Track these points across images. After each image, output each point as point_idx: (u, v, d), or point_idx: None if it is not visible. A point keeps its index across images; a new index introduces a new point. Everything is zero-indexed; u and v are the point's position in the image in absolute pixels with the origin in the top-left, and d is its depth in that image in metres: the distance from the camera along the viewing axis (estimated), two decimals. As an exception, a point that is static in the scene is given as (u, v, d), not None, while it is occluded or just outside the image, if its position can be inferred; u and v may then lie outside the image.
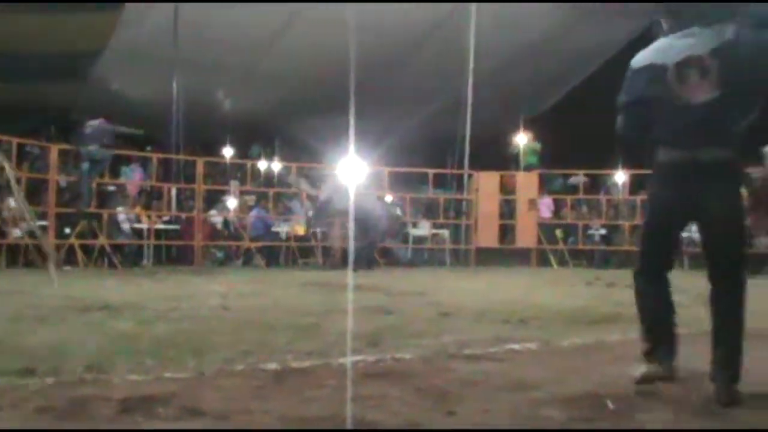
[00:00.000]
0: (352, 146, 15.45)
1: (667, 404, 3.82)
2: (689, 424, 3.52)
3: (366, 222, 14.70)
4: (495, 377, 4.39)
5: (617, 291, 9.89)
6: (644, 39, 4.36)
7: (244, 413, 3.52)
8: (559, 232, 19.14)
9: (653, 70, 3.97)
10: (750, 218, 15.48)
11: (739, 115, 3.88)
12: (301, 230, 17.95)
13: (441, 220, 19.20)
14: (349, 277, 11.87)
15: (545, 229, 18.87)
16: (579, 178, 20.51)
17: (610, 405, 3.71)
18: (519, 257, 18.73)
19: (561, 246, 18.79)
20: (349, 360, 4.74)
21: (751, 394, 3.87)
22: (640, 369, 4.15)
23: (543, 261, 18.60)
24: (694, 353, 4.21)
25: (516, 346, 5.55)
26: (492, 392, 4.00)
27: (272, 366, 4.59)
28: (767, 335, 6.09)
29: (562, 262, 18.36)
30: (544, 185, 19.93)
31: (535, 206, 18.75)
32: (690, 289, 9.20)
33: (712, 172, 3.88)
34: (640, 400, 3.87)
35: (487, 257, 18.31)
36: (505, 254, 18.79)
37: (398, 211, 18.54)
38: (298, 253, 17.57)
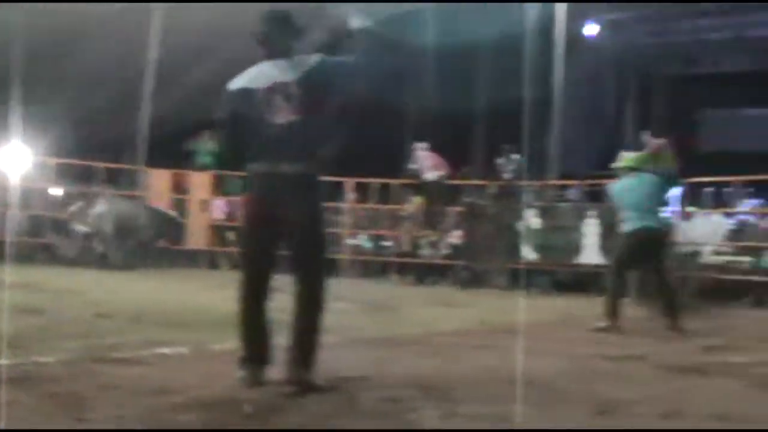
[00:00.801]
0: (16, 133, 14.53)
1: (304, 407, 3.94)
2: (325, 425, 3.67)
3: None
4: (139, 381, 4.33)
5: (283, 297, 10.07)
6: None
7: None
8: (231, 235, 19.10)
9: (246, 93, 4.46)
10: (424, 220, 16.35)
11: (317, 136, 4.46)
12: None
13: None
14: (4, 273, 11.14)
15: (217, 231, 18.80)
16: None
17: (248, 408, 3.77)
18: (189, 259, 18.51)
19: (233, 249, 18.76)
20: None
21: (382, 396, 4.11)
22: (239, 374, 4.40)
23: (214, 263, 18.51)
24: (350, 358, 4.41)
25: (167, 350, 5.51)
26: (131, 397, 3.93)
27: None
28: (407, 341, 6.54)
29: (233, 266, 18.32)
30: (220, 186, 19.81)
31: (208, 207, 18.63)
32: (356, 298, 9.63)
33: (291, 184, 4.35)
34: (278, 404, 3.98)
35: (156, 257, 17.88)
36: (174, 255, 18.49)
37: (171, 214, 17.77)
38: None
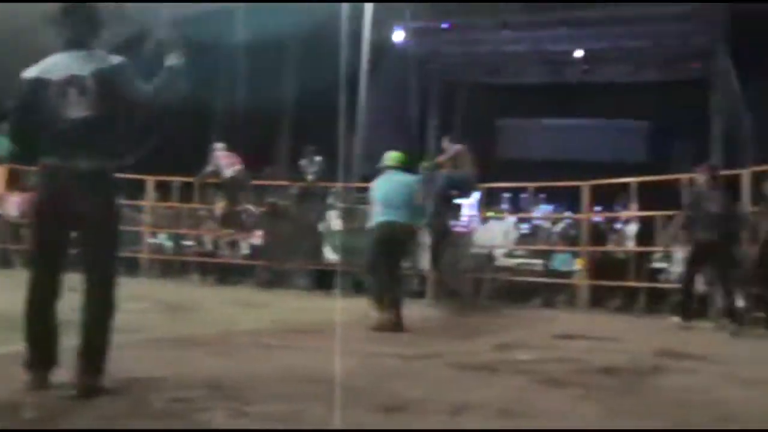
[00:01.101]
0: None
1: (90, 410, 3.85)
2: (112, 426, 3.61)
3: None
4: None
5: (75, 296, 9.71)
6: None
7: None
8: (24, 231, 18.28)
9: (39, 83, 4.32)
10: (225, 220, 16.04)
11: (112, 131, 4.37)
12: None
13: None
14: None
15: (11, 228, 17.94)
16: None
17: (30, 413, 3.66)
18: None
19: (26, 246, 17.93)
20: None
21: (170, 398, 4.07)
22: (24, 377, 4.23)
23: (7, 262, 17.64)
24: (143, 359, 4.32)
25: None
26: None
27: None
28: (202, 341, 6.48)
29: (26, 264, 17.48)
30: (17, 181, 18.90)
31: (2, 203, 17.75)
32: (153, 298, 9.42)
33: (85, 181, 4.25)
34: (63, 407, 3.87)
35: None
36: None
37: None
38: None
